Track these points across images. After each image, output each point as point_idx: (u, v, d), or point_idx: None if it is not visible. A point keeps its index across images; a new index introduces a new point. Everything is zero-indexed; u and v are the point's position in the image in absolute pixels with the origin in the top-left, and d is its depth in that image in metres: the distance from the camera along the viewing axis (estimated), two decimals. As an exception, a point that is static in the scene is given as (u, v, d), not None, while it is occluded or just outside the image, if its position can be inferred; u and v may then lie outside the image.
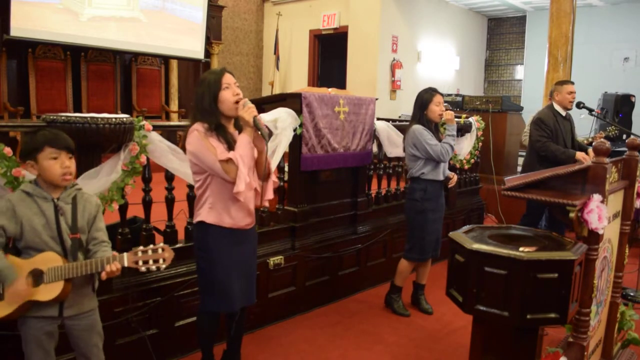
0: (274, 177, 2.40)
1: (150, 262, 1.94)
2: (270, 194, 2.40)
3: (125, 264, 1.91)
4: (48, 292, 1.86)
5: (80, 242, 1.95)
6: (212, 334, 2.46)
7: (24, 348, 1.95)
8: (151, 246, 1.97)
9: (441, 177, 3.42)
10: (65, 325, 1.98)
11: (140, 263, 1.93)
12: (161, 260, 1.95)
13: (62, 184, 1.92)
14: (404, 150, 3.51)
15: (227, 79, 2.22)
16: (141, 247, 1.95)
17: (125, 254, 1.92)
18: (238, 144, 2.17)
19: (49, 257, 1.87)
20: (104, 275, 1.88)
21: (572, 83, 4.24)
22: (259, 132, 2.19)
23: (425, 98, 3.38)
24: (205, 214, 2.27)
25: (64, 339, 2.02)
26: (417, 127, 3.36)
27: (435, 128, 3.43)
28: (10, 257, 1.87)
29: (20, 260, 1.88)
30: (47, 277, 1.85)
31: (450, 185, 3.55)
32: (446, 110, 3.39)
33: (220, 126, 2.22)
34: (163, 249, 1.96)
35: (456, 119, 3.52)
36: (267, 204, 2.47)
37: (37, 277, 1.86)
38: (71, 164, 1.93)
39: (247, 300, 2.40)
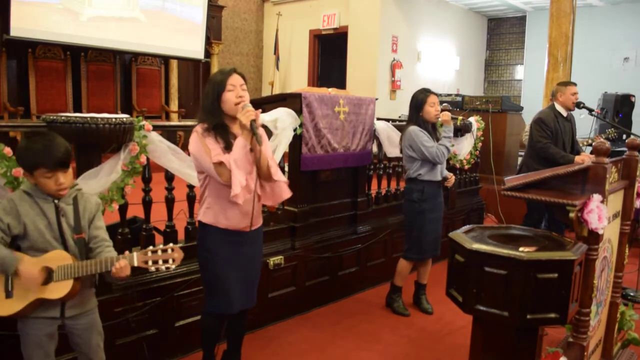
0: (280, 177, 2.28)
1: (160, 262, 1.94)
2: (283, 193, 2.32)
3: (135, 264, 1.90)
4: (57, 290, 1.86)
5: (84, 241, 1.95)
6: (216, 335, 2.45)
7: (23, 350, 1.94)
8: (160, 246, 1.96)
9: (439, 178, 3.43)
10: (66, 326, 1.97)
11: (150, 263, 1.92)
12: (171, 261, 1.94)
13: (57, 196, 1.91)
14: (401, 152, 3.52)
15: (234, 80, 2.20)
16: (151, 247, 1.95)
17: (135, 254, 1.91)
18: (233, 148, 2.14)
19: (60, 256, 1.87)
20: (114, 273, 1.85)
21: (575, 84, 4.25)
22: (254, 137, 2.11)
23: (419, 99, 3.39)
24: (202, 214, 2.29)
25: (63, 340, 2.02)
26: (414, 129, 3.37)
27: (433, 128, 3.44)
28: (21, 254, 1.86)
29: (30, 257, 1.86)
30: (56, 276, 1.85)
31: (447, 185, 3.56)
32: (443, 110, 3.40)
33: (221, 125, 2.21)
34: (173, 249, 1.95)
35: (453, 119, 3.50)
36: (270, 204, 2.42)
37: (46, 275, 1.85)
38: (66, 178, 1.89)
39: (247, 302, 2.39)
